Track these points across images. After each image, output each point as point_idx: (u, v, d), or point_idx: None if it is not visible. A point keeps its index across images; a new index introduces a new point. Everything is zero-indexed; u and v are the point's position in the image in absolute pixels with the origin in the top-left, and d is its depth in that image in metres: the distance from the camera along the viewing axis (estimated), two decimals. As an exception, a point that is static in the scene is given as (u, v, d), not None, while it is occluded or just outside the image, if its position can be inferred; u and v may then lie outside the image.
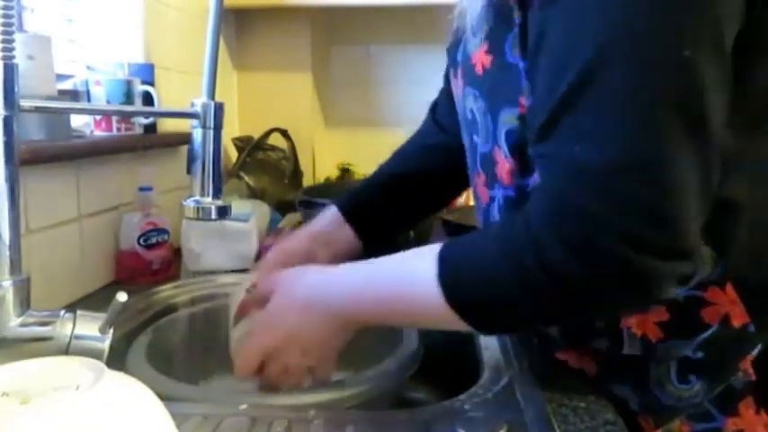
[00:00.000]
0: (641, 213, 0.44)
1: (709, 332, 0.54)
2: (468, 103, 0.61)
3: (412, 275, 0.54)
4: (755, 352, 0.54)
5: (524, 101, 0.54)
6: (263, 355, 0.60)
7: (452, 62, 0.68)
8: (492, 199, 0.62)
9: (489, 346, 0.70)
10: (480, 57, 0.58)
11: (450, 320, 0.52)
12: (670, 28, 0.43)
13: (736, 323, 0.54)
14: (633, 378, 0.58)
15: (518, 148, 0.56)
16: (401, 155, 0.85)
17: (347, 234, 0.79)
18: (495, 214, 0.62)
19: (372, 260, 0.59)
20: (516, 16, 0.53)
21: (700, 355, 0.55)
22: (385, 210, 0.81)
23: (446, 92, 0.83)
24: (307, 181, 1.61)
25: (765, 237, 0.55)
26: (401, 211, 0.83)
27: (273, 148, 1.53)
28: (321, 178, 1.74)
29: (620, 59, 0.44)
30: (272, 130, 1.54)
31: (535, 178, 0.55)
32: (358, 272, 0.60)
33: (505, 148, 0.57)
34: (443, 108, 0.83)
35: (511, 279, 0.48)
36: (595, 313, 0.54)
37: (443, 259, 0.52)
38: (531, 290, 0.48)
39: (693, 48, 0.43)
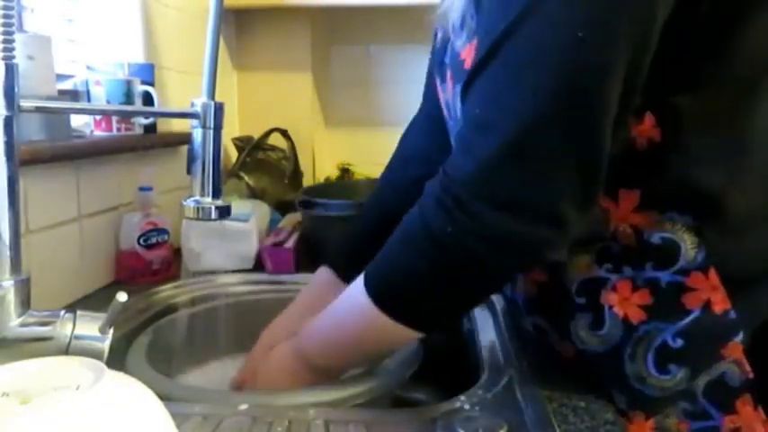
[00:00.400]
0: (510, 177, 0.48)
1: (691, 317, 0.55)
2: (459, 102, 0.62)
3: (349, 298, 0.60)
4: (739, 339, 0.54)
5: None
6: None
7: (439, 66, 0.68)
8: None
9: (489, 346, 0.70)
10: (469, 52, 0.58)
11: (389, 327, 0.55)
12: (572, 7, 0.45)
13: (718, 309, 0.54)
14: (612, 378, 0.58)
15: None
16: (379, 197, 0.84)
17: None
18: None
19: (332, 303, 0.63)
20: None
21: (680, 342, 0.55)
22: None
23: (418, 121, 0.87)
24: (307, 181, 1.61)
25: (747, 222, 0.55)
26: None
27: (273, 148, 1.53)
28: (321, 178, 1.74)
29: (521, 35, 0.47)
30: (272, 130, 1.54)
31: None
32: (318, 320, 0.64)
33: None
34: (411, 137, 0.86)
35: (411, 256, 0.53)
36: (480, 276, 0.54)
37: (367, 271, 0.57)
38: (426, 260, 0.52)
39: (593, 30, 0.45)
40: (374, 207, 0.83)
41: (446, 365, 0.81)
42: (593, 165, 0.48)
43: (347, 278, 0.72)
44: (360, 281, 0.58)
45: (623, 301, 0.57)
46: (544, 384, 0.60)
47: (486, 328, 0.76)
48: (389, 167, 0.85)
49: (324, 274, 0.79)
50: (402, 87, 1.80)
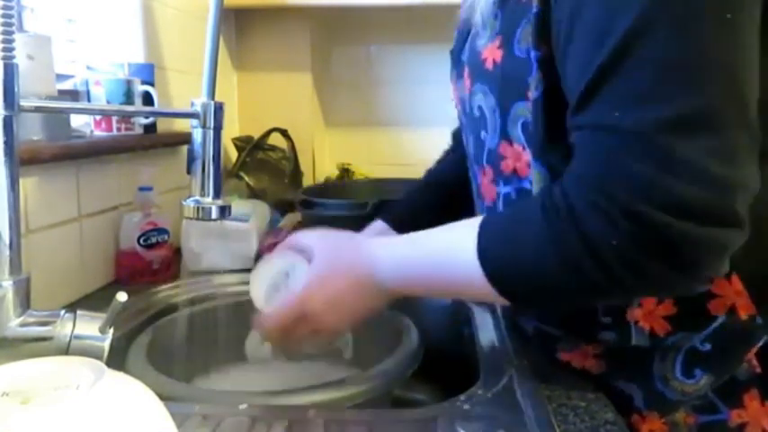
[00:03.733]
0: (686, 175, 0.42)
1: (717, 323, 0.55)
2: (477, 101, 0.61)
3: (454, 253, 0.54)
4: (761, 343, 0.54)
5: (530, 94, 0.54)
6: (299, 316, 0.60)
7: (456, 63, 0.68)
8: (498, 195, 0.62)
9: (489, 345, 0.70)
10: (492, 51, 0.58)
11: (491, 295, 0.52)
12: None
13: (743, 314, 0.54)
14: (637, 375, 0.58)
15: (533, 140, 0.56)
16: (437, 171, 0.87)
17: None
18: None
19: (418, 234, 0.59)
20: (535, 6, 0.52)
21: (708, 347, 0.55)
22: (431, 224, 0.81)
23: None
24: (307, 181, 1.61)
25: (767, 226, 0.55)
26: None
27: (273, 148, 1.53)
28: (321, 178, 1.74)
29: (657, 27, 0.44)
30: (272, 130, 1.54)
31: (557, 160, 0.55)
32: (403, 245, 0.60)
33: (523, 141, 0.57)
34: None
35: (550, 254, 0.47)
36: (640, 293, 0.52)
37: (484, 237, 0.52)
38: (572, 266, 0.46)
39: (735, 9, 0.43)
40: (434, 175, 0.86)
41: (446, 365, 0.81)
42: (757, 144, 0.45)
43: (400, 230, 0.76)
44: (471, 237, 0.52)
45: (648, 315, 0.56)
46: (544, 384, 0.60)
47: (485, 328, 0.76)
48: (445, 152, 0.88)
49: (379, 224, 0.82)
50: (402, 87, 1.80)
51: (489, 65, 0.58)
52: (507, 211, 0.55)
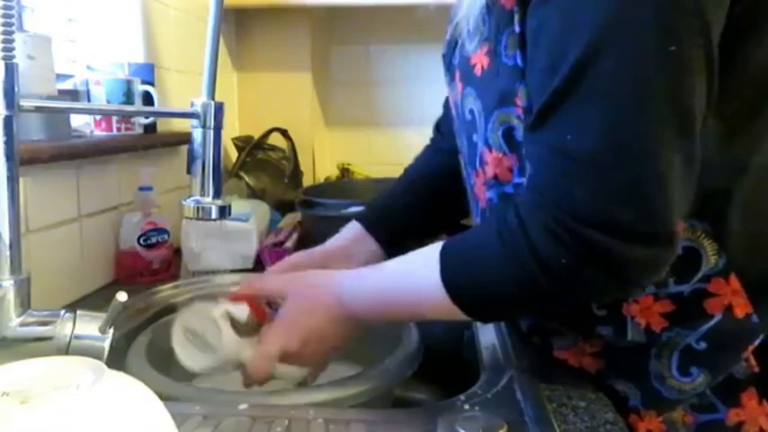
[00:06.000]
0: (625, 200, 0.47)
1: (713, 322, 0.55)
2: (468, 104, 0.62)
3: (419, 283, 0.57)
4: (758, 342, 0.55)
5: (520, 101, 0.55)
6: (279, 356, 0.62)
7: (448, 67, 0.68)
8: (490, 199, 0.63)
9: (489, 345, 0.70)
10: (480, 58, 0.59)
11: (454, 314, 0.56)
12: (657, 23, 0.45)
13: (740, 313, 0.54)
14: (633, 374, 0.58)
15: (517, 147, 0.56)
16: (416, 165, 0.86)
17: (369, 246, 0.79)
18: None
19: (383, 264, 0.63)
20: (516, 19, 0.54)
21: (703, 345, 0.55)
22: (407, 219, 0.82)
23: (446, 107, 0.85)
24: (307, 181, 1.61)
25: (764, 225, 0.55)
26: (423, 219, 0.84)
27: (273, 148, 1.53)
28: (321, 178, 1.74)
29: (610, 55, 0.46)
30: (272, 130, 1.54)
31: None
32: (370, 277, 0.63)
33: (504, 147, 0.58)
34: (446, 121, 0.84)
35: (509, 274, 0.52)
36: (583, 300, 0.56)
37: (445, 261, 0.55)
38: (529, 283, 0.50)
39: (680, 41, 0.45)
40: (408, 173, 0.86)
41: (446, 365, 0.81)
42: (695, 170, 0.48)
43: (374, 233, 0.79)
44: (433, 262, 0.56)
45: (645, 311, 0.57)
46: (544, 384, 0.60)
47: (485, 328, 0.76)
48: (426, 146, 0.88)
49: (352, 227, 0.81)
50: (401, 87, 1.80)
51: (478, 71, 0.59)
52: (465, 239, 0.57)
